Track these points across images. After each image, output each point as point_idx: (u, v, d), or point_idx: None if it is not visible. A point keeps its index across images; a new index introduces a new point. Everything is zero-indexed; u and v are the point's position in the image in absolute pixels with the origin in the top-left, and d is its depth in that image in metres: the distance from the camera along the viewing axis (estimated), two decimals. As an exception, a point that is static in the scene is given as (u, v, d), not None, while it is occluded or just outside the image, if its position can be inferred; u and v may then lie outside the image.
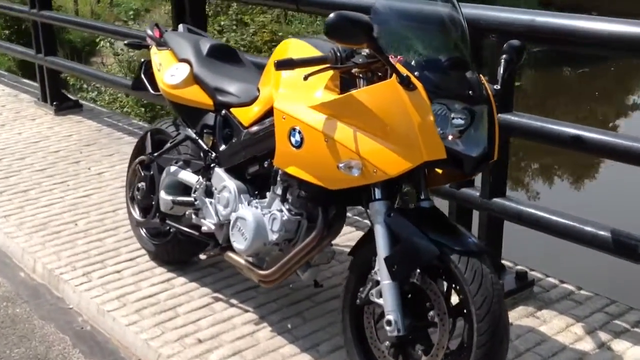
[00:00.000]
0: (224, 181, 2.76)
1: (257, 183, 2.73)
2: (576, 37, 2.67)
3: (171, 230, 3.18)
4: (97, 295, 3.11)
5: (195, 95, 2.90)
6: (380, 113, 2.08)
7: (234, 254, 2.76)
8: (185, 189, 3.03)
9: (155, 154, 3.16)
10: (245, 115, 2.70)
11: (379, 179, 2.12)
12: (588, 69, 10.84)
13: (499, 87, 2.29)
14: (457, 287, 2.12)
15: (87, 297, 3.12)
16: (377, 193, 2.22)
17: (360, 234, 3.08)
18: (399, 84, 2.03)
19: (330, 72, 2.22)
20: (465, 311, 2.09)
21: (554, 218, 2.82)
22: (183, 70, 2.96)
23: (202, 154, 2.94)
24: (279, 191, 2.54)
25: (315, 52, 2.34)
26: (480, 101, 2.12)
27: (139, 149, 3.40)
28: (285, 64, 2.17)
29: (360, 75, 2.18)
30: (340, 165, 2.14)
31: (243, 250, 2.63)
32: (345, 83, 2.25)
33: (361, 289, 2.29)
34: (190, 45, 3.06)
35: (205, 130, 2.89)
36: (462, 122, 2.07)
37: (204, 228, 2.90)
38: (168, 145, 3.13)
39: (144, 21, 13.87)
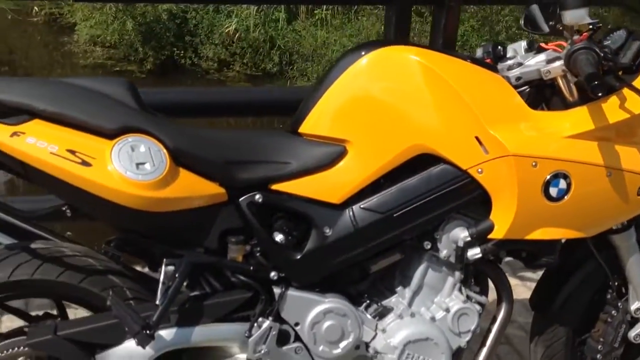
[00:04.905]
0: (321, 304, 1.79)
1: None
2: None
3: None
4: None
5: (193, 188, 1.66)
6: None
7: None
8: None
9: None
10: (323, 187, 1.73)
11: None
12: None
13: None
14: None
15: None
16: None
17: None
18: None
19: (505, 87, 1.74)
20: None
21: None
22: (151, 150, 1.62)
23: (246, 279, 1.77)
24: (458, 274, 1.85)
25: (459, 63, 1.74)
26: None
27: None
28: (604, 85, 1.61)
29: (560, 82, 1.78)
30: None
31: None
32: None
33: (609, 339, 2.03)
34: (79, 93, 1.65)
35: (232, 239, 1.73)
36: None
37: None
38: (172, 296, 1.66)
39: None
